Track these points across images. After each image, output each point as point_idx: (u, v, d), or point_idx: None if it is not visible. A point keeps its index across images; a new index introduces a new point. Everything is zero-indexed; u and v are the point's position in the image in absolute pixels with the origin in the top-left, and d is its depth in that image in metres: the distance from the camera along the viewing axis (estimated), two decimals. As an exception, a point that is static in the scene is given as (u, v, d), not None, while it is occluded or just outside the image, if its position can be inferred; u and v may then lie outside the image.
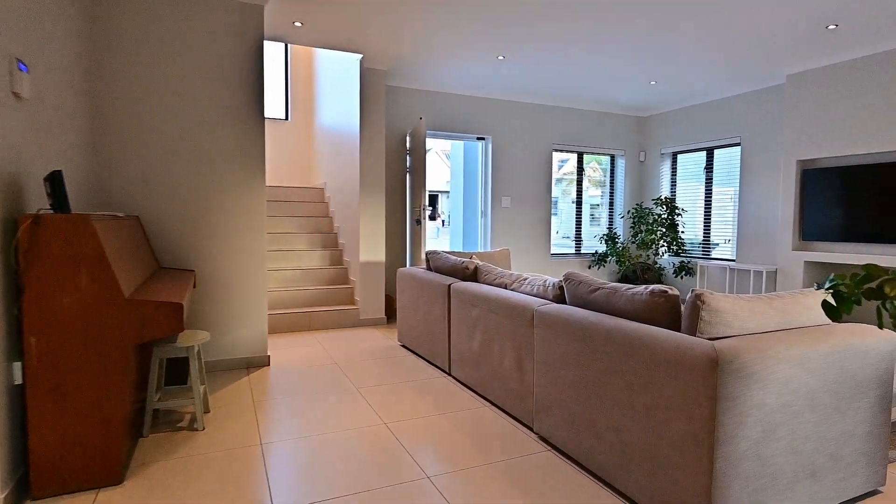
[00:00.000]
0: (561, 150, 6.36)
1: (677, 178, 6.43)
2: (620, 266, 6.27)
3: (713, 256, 5.92)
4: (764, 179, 5.29)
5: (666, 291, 1.89)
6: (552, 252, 6.38)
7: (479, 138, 5.84)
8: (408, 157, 5.38)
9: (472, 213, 6.49)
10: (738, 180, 5.60)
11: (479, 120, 5.75)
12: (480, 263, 3.28)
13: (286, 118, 6.54)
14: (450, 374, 3.29)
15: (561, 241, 6.56)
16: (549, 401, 2.25)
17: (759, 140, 5.32)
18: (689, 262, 6.01)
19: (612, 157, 6.73)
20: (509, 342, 2.57)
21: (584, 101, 6.09)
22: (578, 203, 6.58)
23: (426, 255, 3.88)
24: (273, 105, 6.54)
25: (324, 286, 4.94)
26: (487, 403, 2.79)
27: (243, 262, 3.38)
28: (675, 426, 1.62)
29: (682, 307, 1.89)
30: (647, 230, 6.11)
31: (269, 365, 3.49)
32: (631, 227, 6.61)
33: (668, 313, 1.87)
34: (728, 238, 5.72)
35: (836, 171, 4.42)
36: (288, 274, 4.92)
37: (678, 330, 1.85)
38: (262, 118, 3.40)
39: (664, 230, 5.92)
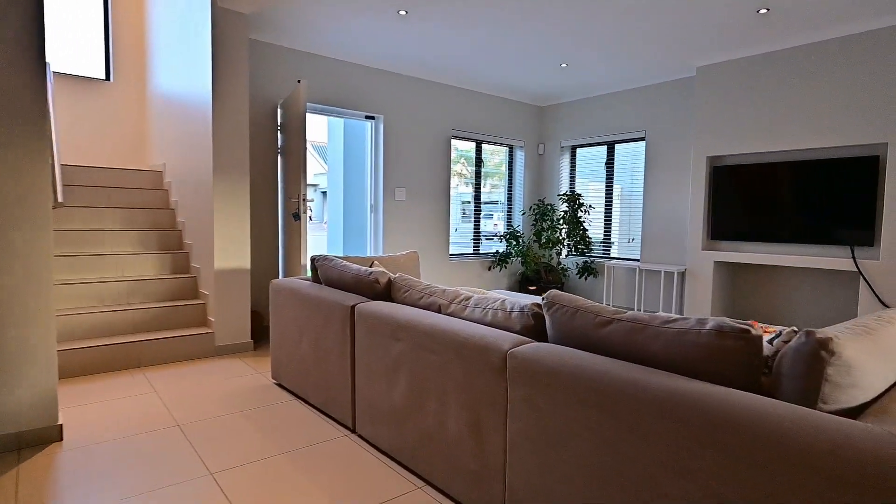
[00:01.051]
0: (460, 138, 5.65)
1: (577, 172, 6.11)
2: (526, 267, 5.75)
3: (615, 256, 5.67)
4: (670, 176, 5.10)
5: (743, 330, 1.18)
6: (451, 252, 5.66)
7: (368, 117, 4.88)
8: (279, 134, 4.24)
9: (355, 208, 5.51)
10: (642, 176, 5.37)
11: (369, 95, 4.79)
12: (395, 275, 2.37)
13: (107, 78, 4.92)
14: (354, 432, 2.34)
15: (459, 239, 5.87)
16: (536, 494, 1.44)
17: (665, 135, 5.12)
18: (592, 262, 5.69)
19: (511, 148, 6.21)
20: (458, 396, 1.71)
21: (487, 84, 5.45)
22: (477, 198, 5.94)
23: (313, 261, 2.86)
24: (86, 59, 4.87)
25: (162, 303, 3.62)
26: (420, 482, 1.91)
27: (10, 274, 2.07)
28: (830, 586, 0.90)
29: (783, 359, 1.20)
30: (550, 228, 5.67)
31: (60, 440, 2.22)
32: (532, 224, 6.15)
33: (746, 364, 1.17)
34: (633, 237, 5.48)
35: (746, 168, 4.29)
36: (103, 288, 3.51)
37: (757, 389, 1.16)
38: (42, 60, 2.12)
39: (569, 228, 5.52)
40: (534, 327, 1.69)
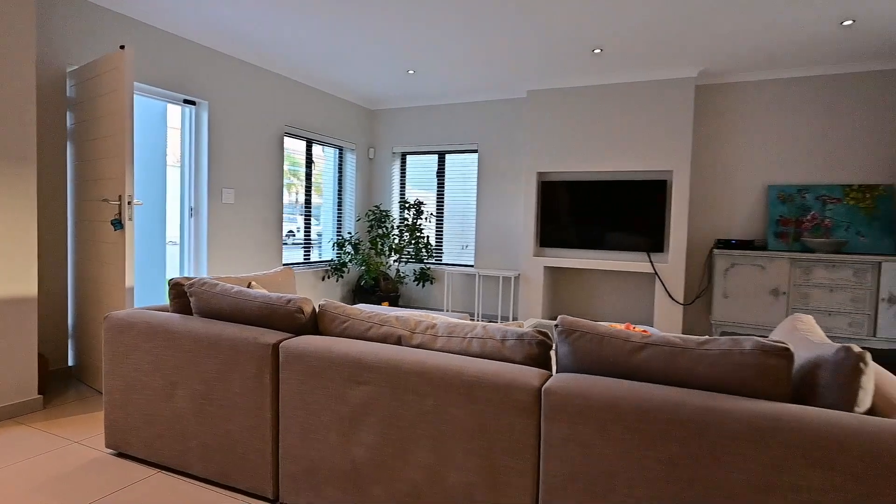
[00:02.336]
0: (293, 136, 5.10)
1: (407, 179, 6.12)
2: (368, 276, 5.50)
3: (448, 262, 5.86)
4: (502, 187, 5.49)
5: (784, 348, 1.30)
6: (284, 262, 5.06)
7: (188, 101, 4.01)
8: (68, 113, 3.16)
9: (159, 213, 4.52)
10: (475, 187, 5.67)
11: (191, 76, 3.94)
12: (324, 302, 1.97)
13: None
14: (278, 503, 1.86)
15: (291, 246, 5.29)
16: (582, 539, 1.35)
17: (496, 149, 5.50)
18: (429, 269, 5.77)
19: (341, 150, 5.88)
20: (463, 443, 1.50)
21: (323, 81, 5.03)
22: (308, 202, 5.45)
23: (177, 287, 2.19)
24: None
25: None
26: (398, 550, 1.61)
27: None
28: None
29: (807, 363, 1.34)
30: (385, 234, 5.55)
31: None
32: (368, 230, 5.93)
33: (785, 379, 1.29)
34: (466, 244, 5.74)
35: (570, 184, 4.89)
36: None
37: (788, 399, 1.29)
38: None
39: (409, 236, 5.49)
40: (538, 356, 1.58)
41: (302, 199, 5.39)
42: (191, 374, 1.96)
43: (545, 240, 5.03)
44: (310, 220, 5.47)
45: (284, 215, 5.03)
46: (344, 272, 5.54)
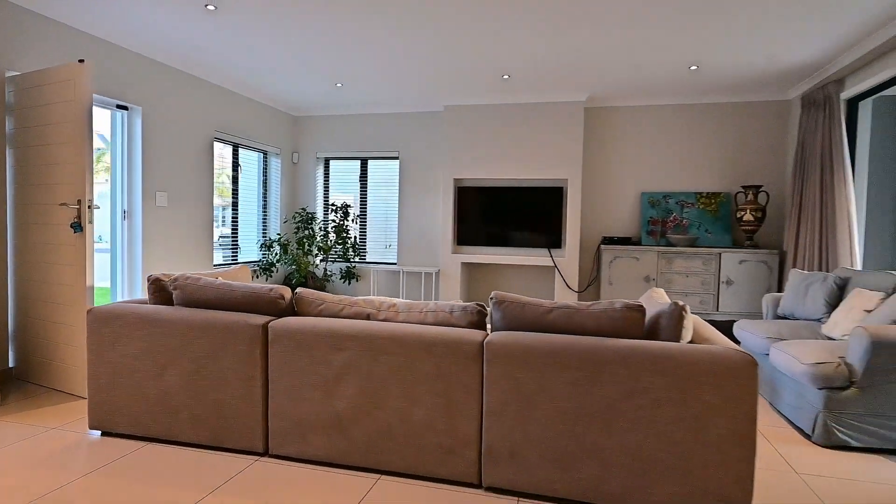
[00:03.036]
0: (221, 141, 5.25)
1: (331, 183, 6.46)
2: (298, 275, 5.77)
3: (371, 261, 6.29)
4: (422, 191, 6.04)
5: (637, 305, 1.97)
6: (215, 263, 5.21)
7: (120, 107, 4.10)
8: (6, 118, 3.21)
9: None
10: (397, 191, 6.16)
11: (123, 81, 4.03)
12: (300, 290, 2.38)
13: None
14: (268, 455, 2.24)
15: (218, 248, 5.42)
16: (514, 444, 1.93)
17: (417, 156, 6.03)
18: (354, 267, 6.16)
19: (265, 154, 6.09)
20: (427, 387, 2.02)
21: (250, 88, 5.25)
22: (235, 205, 5.61)
23: (157, 282, 2.48)
24: None
25: None
26: (375, 476, 2.09)
27: None
28: (715, 427, 1.74)
29: (653, 316, 2.02)
30: (311, 235, 5.87)
31: None
32: (294, 231, 6.19)
33: (640, 324, 1.97)
34: (389, 244, 6.21)
35: (482, 190, 5.56)
36: None
37: (643, 337, 1.97)
38: None
39: (336, 236, 5.85)
40: (478, 322, 2.15)
41: (230, 201, 5.55)
42: (182, 355, 2.28)
43: (462, 239, 5.65)
44: (237, 221, 5.63)
45: (214, 217, 5.18)
46: (272, 271, 5.77)
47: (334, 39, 3.86)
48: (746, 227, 4.94)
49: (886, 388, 2.41)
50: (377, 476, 2.09)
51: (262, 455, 2.25)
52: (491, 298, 2.11)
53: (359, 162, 6.33)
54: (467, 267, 5.82)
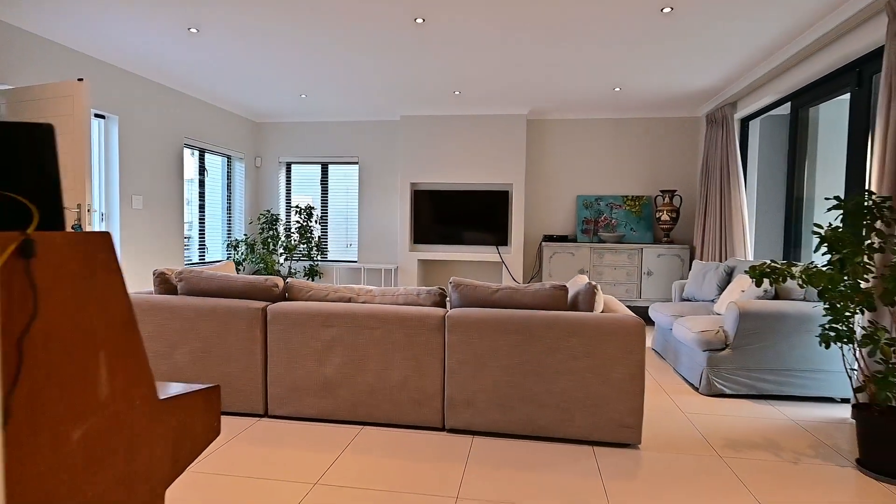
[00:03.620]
0: (191, 147, 5.54)
1: (293, 186, 6.83)
2: (266, 272, 6.11)
3: (333, 259, 6.71)
4: (380, 194, 6.52)
5: (562, 286, 2.58)
6: (186, 263, 5.49)
7: (98, 115, 4.37)
8: (-1, 127, 3.46)
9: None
10: (357, 193, 6.61)
11: (101, 92, 4.31)
12: (290, 280, 2.85)
13: None
14: (267, 416, 2.70)
15: (186, 248, 5.70)
16: (468, 395, 2.49)
17: (375, 161, 6.51)
18: (317, 265, 6.57)
19: (229, 159, 6.39)
20: (401, 353, 2.55)
21: (218, 97, 5.57)
22: (202, 207, 5.90)
23: (178, 274, 2.89)
24: None
25: None
26: (359, 427, 2.60)
27: None
28: (616, 373, 2.37)
29: (573, 294, 2.64)
30: (275, 235, 6.24)
31: None
32: (260, 232, 6.52)
33: (564, 300, 2.58)
34: (350, 243, 6.66)
35: (437, 193, 6.12)
36: None
37: (567, 309, 2.59)
38: None
39: (300, 236, 6.24)
40: (439, 302, 2.70)
41: (197, 203, 5.83)
42: (190, 336, 2.70)
43: (418, 238, 6.19)
44: (204, 223, 5.93)
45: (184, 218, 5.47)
46: (240, 270, 6.09)
47: (303, 57, 4.30)
48: (664, 226, 5.75)
49: (750, 348, 3.15)
50: (361, 427, 2.60)
51: (262, 416, 2.71)
52: (450, 283, 2.66)
53: (320, 166, 6.74)
54: (423, 263, 6.36)
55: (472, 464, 2.21)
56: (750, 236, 5.01)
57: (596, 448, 2.39)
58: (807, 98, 4.04)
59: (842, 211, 2.34)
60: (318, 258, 6.59)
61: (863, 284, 2.49)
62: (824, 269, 2.29)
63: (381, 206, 6.54)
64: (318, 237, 6.49)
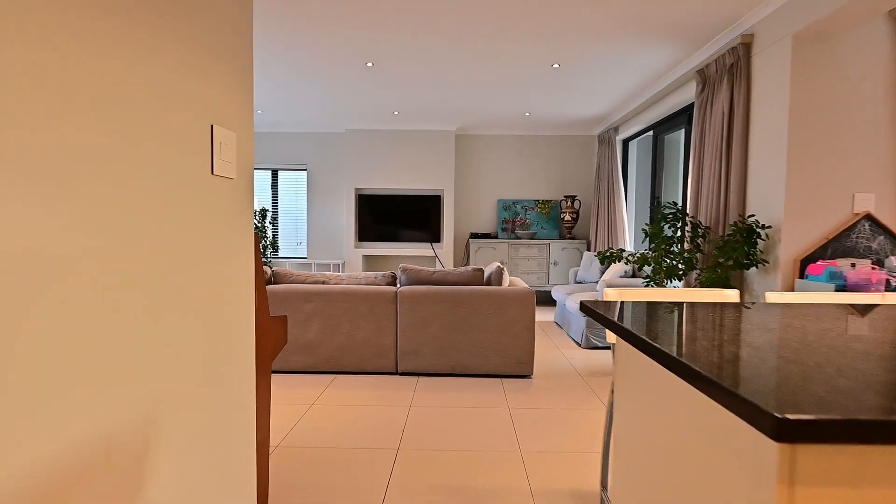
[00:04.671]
0: (153, 155, 6.10)
1: (245, 190, 7.47)
2: (220, 269, 6.75)
3: (284, 256, 7.45)
4: (328, 197, 7.35)
5: (480, 268, 3.64)
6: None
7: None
8: None
9: None
10: (305, 197, 7.39)
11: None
12: (276, 268, 3.71)
13: None
14: (261, 372, 3.55)
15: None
16: (415, 347, 3.49)
17: (323, 169, 7.32)
18: (269, 261, 7.28)
19: (186, 166, 6.95)
20: (364, 321, 3.50)
21: (179, 110, 6.17)
22: (162, 209, 6.45)
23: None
24: None
25: None
26: (334, 376, 3.52)
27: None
28: (515, 328, 3.45)
29: (488, 274, 3.72)
30: (232, 236, 6.90)
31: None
32: (216, 233, 7.13)
33: (481, 278, 3.64)
34: (300, 241, 7.43)
35: (379, 197, 7.05)
36: None
37: (483, 285, 3.65)
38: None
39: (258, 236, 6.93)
40: (392, 282, 3.67)
41: (158, 206, 6.39)
42: (198, 313, 3.50)
43: (362, 236, 7.08)
44: (164, 224, 6.48)
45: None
46: (199, 267, 6.70)
47: (265, 83, 5.10)
48: (567, 225, 7.02)
49: (615, 313, 4.38)
50: (335, 375, 3.52)
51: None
52: (399, 268, 3.64)
53: (270, 172, 7.44)
54: (367, 258, 7.27)
55: (419, 390, 3.22)
56: (629, 231, 6.36)
57: (503, 379, 3.47)
58: (661, 129, 5.38)
59: (658, 216, 3.56)
60: (271, 255, 7.31)
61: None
62: (647, 253, 3.50)
63: (328, 208, 7.37)
64: (273, 236, 7.21)
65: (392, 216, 7.07)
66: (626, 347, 1.20)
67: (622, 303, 1.33)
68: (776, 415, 0.53)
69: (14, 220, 0.69)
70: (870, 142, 3.06)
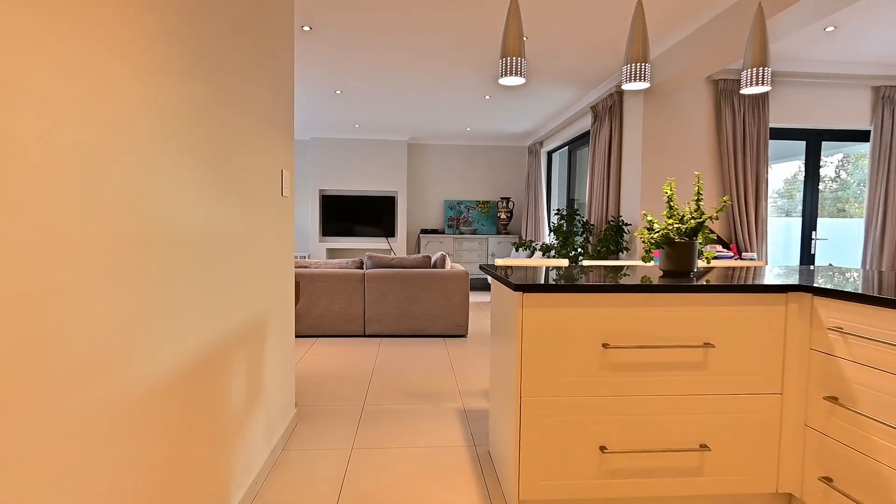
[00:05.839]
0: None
1: (216, 190, 8.28)
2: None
3: (254, 249, 8.30)
4: (296, 198, 8.25)
5: (428, 256, 4.78)
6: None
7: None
8: None
9: None
10: (274, 197, 8.27)
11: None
12: (267, 256, 4.71)
13: None
14: (257, 336, 4.55)
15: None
16: (379, 315, 4.58)
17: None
18: (241, 254, 8.12)
19: (163, 168, 7.70)
20: (338, 295, 4.56)
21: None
22: (144, 207, 7.20)
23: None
24: None
25: None
26: (315, 340, 4.56)
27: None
28: (455, 299, 4.61)
29: (434, 260, 4.87)
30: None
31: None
32: (192, 228, 7.91)
33: (429, 263, 4.79)
34: (269, 236, 8.30)
35: (340, 197, 8.04)
36: None
37: (431, 268, 4.79)
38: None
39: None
40: (360, 266, 4.75)
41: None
42: (206, 291, 4.46)
43: (325, 231, 8.06)
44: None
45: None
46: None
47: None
48: (503, 222, 8.28)
49: (533, 291, 5.64)
50: (317, 339, 4.56)
51: (254, 337, 4.55)
52: (366, 255, 4.73)
53: (241, 174, 8.27)
54: (331, 251, 8.25)
55: (383, 346, 4.32)
56: (548, 229, 7.66)
57: (445, 338, 4.63)
58: (574, 145, 6.70)
59: (562, 215, 4.81)
60: (242, 249, 8.15)
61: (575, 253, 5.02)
62: (551, 244, 4.73)
63: (295, 207, 8.28)
64: (245, 232, 8.06)
65: (352, 214, 8.09)
66: (496, 284, 2.36)
67: (504, 267, 2.49)
68: (515, 283, 1.69)
69: (227, 218, 1.78)
70: (696, 165, 4.42)
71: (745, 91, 2.31)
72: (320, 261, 4.77)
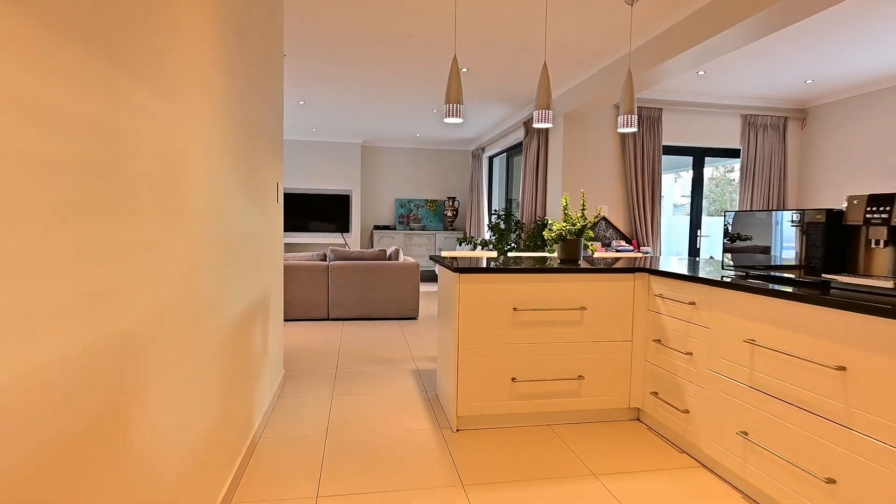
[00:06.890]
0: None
1: (175, 187, 8.62)
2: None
3: (213, 244, 8.71)
4: (253, 195, 8.73)
5: (382, 249, 5.53)
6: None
7: None
8: None
9: None
10: (233, 194, 8.70)
11: None
12: (240, 249, 5.30)
13: None
14: (232, 321, 5.15)
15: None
16: (341, 301, 5.28)
17: (247, 171, 8.68)
18: (201, 248, 8.52)
19: (123, 165, 7.98)
20: (308, 284, 5.22)
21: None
22: (106, 203, 7.49)
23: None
24: None
25: None
26: (285, 322, 5.20)
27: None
28: (407, 287, 5.39)
29: (389, 253, 5.62)
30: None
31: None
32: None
33: (384, 255, 5.53)
34: (228, 231, 8.73)
35: (299, 196, 8.59)
36: None
37: (387, 260, 5.53)
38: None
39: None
40: (325, 258, 5.42)
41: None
42: (186, 281, 5.01)
43: (285, 228, 8.58)
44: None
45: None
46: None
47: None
48: (449, 219, 9.10)
49: (475, 280, 6.51)
50: (286, 323, 5.21)
51: (230, 321, 5.15)
52: (329, 249, 5.41)
53: (200, 171, 8.65)
54: (288, 245, 8.80)
55: (346, 328, 5.04)
56: (486, 225, 8.57)
57: (399, 320, 5.39)
58: (512, 152, 7.60)
59: (496, 215, 5.68)
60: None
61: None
62: (489, 239, 5.59)
63: (253, 203, 8.75)
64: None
65: (309, 211, 8.67)
66: (441, 269, 3.15)
67: (449, 257, 3.29)
68: (455, 267, 2.49)
69: (252, 222, 2.50)
70: (606, 176, 5.40)
71: (620, 130, 3.21)
72: (288, 254, 5.40)
